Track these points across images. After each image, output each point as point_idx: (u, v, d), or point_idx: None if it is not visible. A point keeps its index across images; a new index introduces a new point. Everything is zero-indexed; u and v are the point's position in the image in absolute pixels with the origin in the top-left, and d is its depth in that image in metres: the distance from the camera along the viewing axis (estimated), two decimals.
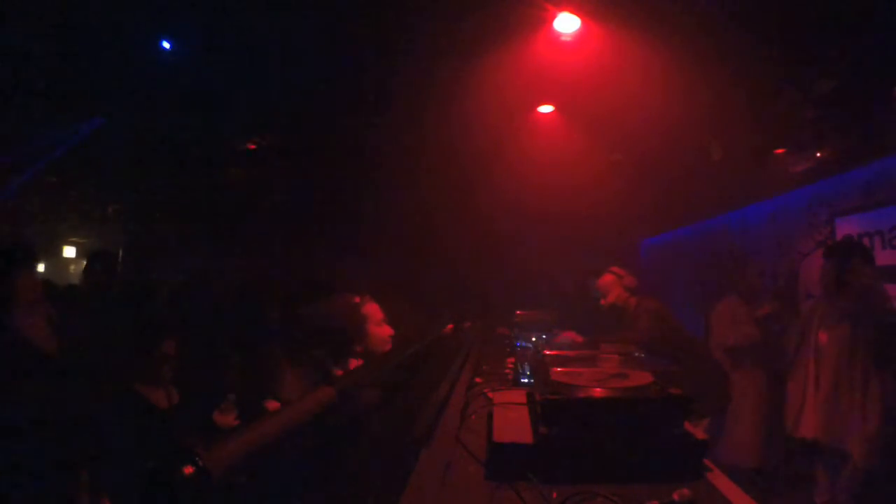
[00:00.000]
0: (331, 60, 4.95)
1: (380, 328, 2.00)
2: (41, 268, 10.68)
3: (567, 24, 4.14)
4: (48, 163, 6.47)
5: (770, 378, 4.00)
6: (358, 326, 1.94)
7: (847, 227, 4.17)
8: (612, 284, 3.39)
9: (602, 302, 3.43)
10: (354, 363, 1.95)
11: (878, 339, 2.72)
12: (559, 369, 1.61)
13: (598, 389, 1.39)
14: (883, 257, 3.78)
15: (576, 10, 4.04)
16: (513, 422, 1.46)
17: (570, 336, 3.11)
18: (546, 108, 5.92)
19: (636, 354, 1.89)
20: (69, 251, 11.37)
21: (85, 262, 3.83)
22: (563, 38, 4.21)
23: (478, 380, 2.33)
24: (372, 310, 2.00)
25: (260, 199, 8.44)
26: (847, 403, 2.81)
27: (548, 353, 1.97)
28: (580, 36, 4.19)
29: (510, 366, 2.41)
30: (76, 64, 4.93)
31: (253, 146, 7.08)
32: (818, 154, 4.61)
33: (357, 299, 1.98)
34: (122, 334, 2.09)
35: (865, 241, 3.96)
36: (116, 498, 1.20)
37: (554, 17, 4.10)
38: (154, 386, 2.05)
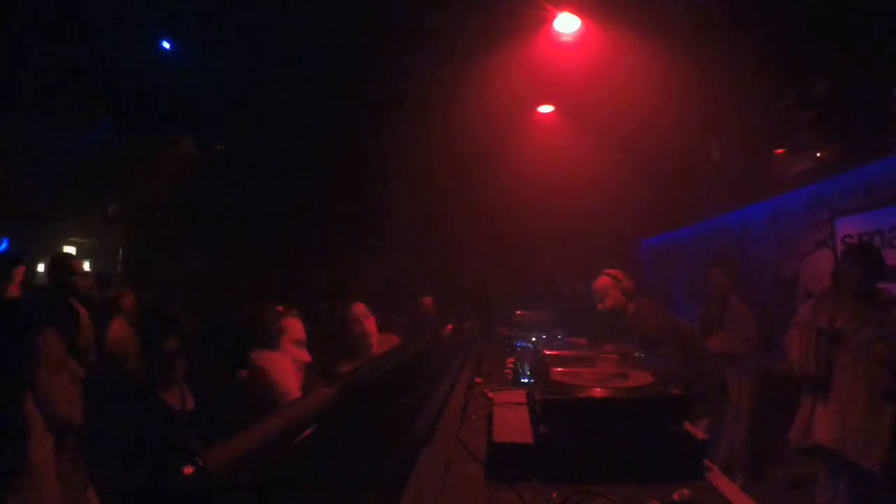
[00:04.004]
0: (332, 60, 4.95)
1: (297, 350, 1.63)
2: (41, 268, 10.68)
3: (567, 24, 4.14)
4: (66, 173, 6.51)
5: (765, 378, 4.01)
6: (270, 337, 1.59)
7: (847, 227, 4.16)
8: (609, 287, 3.26)
9: (599, 306, 3.29)
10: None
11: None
12: (559, 369, 1.61)
13: (598, 389, 1.39)
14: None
15: (576, 10, 4.05)
16: (513, 422, 1.46)
17: (582, 344, 2.99)
18: (546, 108, 5.92)
19: (636, 354, 1.89)
20: (69, 251, 11.37)
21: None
22: (563, 38, 4.21)
23: (478, 380, 2.33)
24: (293, 326, 1.66)
25: (262, 199, 8.44)
26: (867, 412, 2.68)
27: (548, 353, 1.96)
28: (580, 36, 4.19)
29: (510, 366, 2.41)
30: (77, 65, 4.93)
31: (254, 146, 7.09)
32: (818, 154, 4.60)
33: (280, 308, 1.66)
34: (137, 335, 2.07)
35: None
36: (118, 498, 1.20)
37: (554, 17, 4.10)
38: (169, 388, 2.04)
